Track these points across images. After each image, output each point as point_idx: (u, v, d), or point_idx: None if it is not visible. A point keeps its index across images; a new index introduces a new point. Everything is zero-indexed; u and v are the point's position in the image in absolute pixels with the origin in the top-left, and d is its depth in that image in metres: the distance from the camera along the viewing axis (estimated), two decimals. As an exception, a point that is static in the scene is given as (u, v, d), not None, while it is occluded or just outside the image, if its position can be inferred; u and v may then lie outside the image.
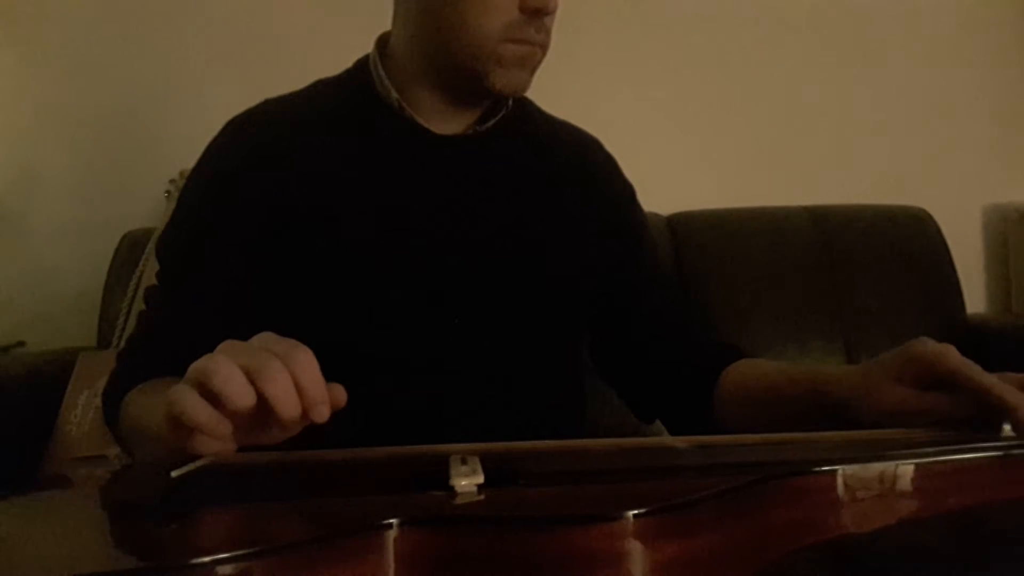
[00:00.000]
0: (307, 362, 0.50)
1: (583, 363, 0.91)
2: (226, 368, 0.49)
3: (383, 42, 0.85)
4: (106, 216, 1.67)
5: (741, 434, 0.57)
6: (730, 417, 0.78)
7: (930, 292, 1.57)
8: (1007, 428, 0.53)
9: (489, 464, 0.46)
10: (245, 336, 0.54)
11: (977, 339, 1.53)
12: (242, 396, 0.49)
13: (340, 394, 0.52)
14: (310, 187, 0.79)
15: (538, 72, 0.79)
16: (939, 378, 0.57)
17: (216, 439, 0.51)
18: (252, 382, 0.49)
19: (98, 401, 1.29)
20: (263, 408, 0.50)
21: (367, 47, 0.86)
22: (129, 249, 1.54)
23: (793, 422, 0.67)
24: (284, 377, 0.49)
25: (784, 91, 1.81)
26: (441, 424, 0.72)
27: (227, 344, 0.52)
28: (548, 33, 0.77)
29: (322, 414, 0.50)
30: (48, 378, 1.39)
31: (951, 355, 0.57)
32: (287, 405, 0.49)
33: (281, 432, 0.52)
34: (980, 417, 0.55)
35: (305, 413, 0.50)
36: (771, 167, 1.81)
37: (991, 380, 0.55)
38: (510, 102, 0.84)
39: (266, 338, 0.52)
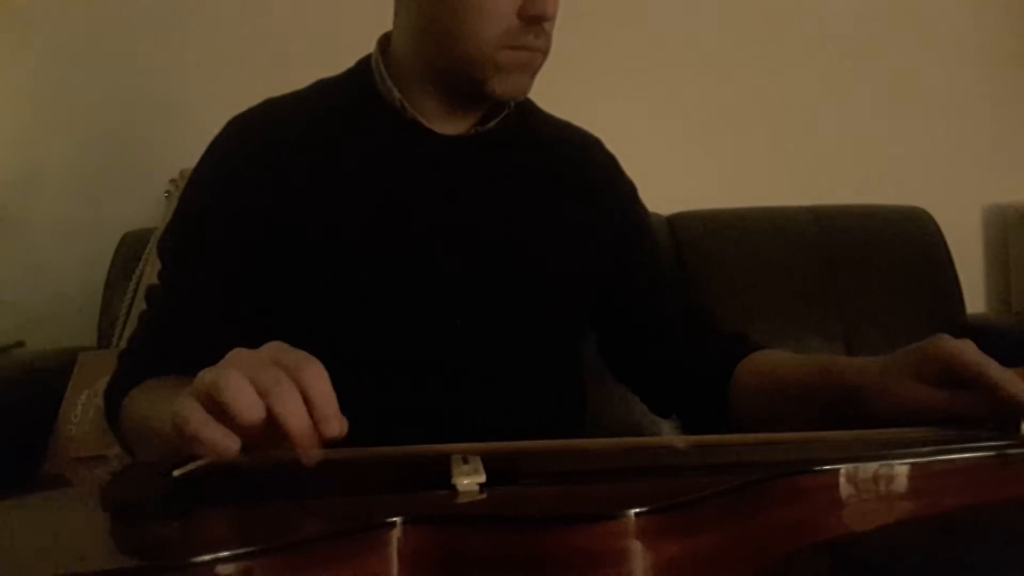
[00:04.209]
0: (318, 375, 0.49)
1: (583, 363, 0.91)
2: (236, 382, 0.48)
3: (385, 42, 0.85)
4: (106, 216, 1.67)
5: (741, 434, 0.57)
6: (747, 408, 0.77)
7: (930, 292, 1.57)
8: None
9: (491, 463, 0.46)
10: (247, 336, 0.54)
11: (977, 339, 1.52)
12: (251, 411, 0.48)
13: (343, 428, 0.51)
14: (312, 187, 0.79)
15: (539, 73, 0.79)
16: (957, 375, 0.57)
17: (222, 453, 0.51)
18: (261, 397, 0.48)
19: (98, 401, 1.29)
20: (272, 423, 0.49)
21: (368, 47, 0.86)
22: (129, 249, 1.54)
23: (809, 411, 0.67)
24: (294, 394, 0.48)
25: (784, 91, 1.82)
26: (442, 423, 0.72)
27: (236, 354, 0.51)
28: (548, 37, 0.77)
29: (332, 428, 0.50)
30: (48, 378, 1.39)
31: (969, 352, 0.57)
32: (296, 422, 0.48)
33: (291, 445, 0.52)
34: (998, 415, 0.54)
35: (316, 427, 0.50)
36: (771, 167, 1.81)
37: (1011, 378, 0.54)
38: (512, 103, 0.84)
39: (276, 348, 0.51)
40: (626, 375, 0.91)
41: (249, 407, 0.48)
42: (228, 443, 0.49)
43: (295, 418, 0.48)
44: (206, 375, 0.50)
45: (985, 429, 0.53)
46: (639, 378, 0.90)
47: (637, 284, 0.89)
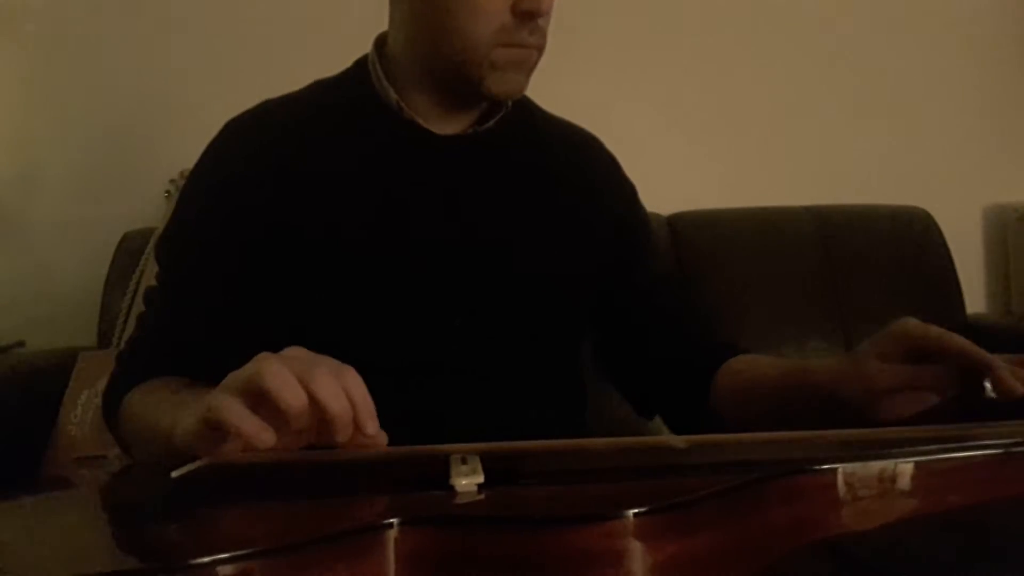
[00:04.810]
0: (355, 379, 0.51)
1: (583, 363, 0.91)
2: (278, 370, 0.49)
3: (381, 42, 0.85)
4: (106, 216, 1.67)
5: (740, 433, 0.57)
6: (727, 412, 0.79)
7: (930, 292, 1.57)
8: (988, 387, 0.57)
9: (489, 464, 0.46)
10: (245, 337, 0.54)
11: (977, 339, 1.53)
12: (294, 397, 0.49)
13: (382, 439, 0.53)
14: (310, 189, 0.78)
15: (537, 72, 0.79)
16: (922, 351, 0.61)
17: (258, 447, 0.51)
18: (303, 385, 0.49)
19: (98, 401, 1.29)
20: (313, 412, 0.50)
21: (365, 47, 0.86)
22: (129, 249, 1.54)
23: (786, 414, 0.70)
24: (334, 381, 0.49)
25: (784, 91, 1.81)
26: (441, 424, 0.72)
27: (266, 354, 0.52)
28: (543, 34, 0.76)
29: (371, 428, 0.51)
30: (48, 378, 1.39)
31: (931, 328, 0.61)
32: (339, 408, 0.49)
33: (330, 439, 0.52)
34: (963, 381, 0.59)
35: (355, 425, 0.51)
36: (771, 167, 1.81)
37: (970, 343, 0.59)
38: (509, 102, 0.84)
39: (302, 350, 0.53)
40: (615, 373, 0.92)
41: (293, 394, 0.49)
42: (265, 436, 0.50)
43: (337, 403, 0.49)
44: (241, 371, 0.51)
45: (955, 396, 0.58)
46: (629, 377, 0.91)
47: (635, 284, 0.89)
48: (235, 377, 0.51)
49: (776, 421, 0.68)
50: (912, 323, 0.62)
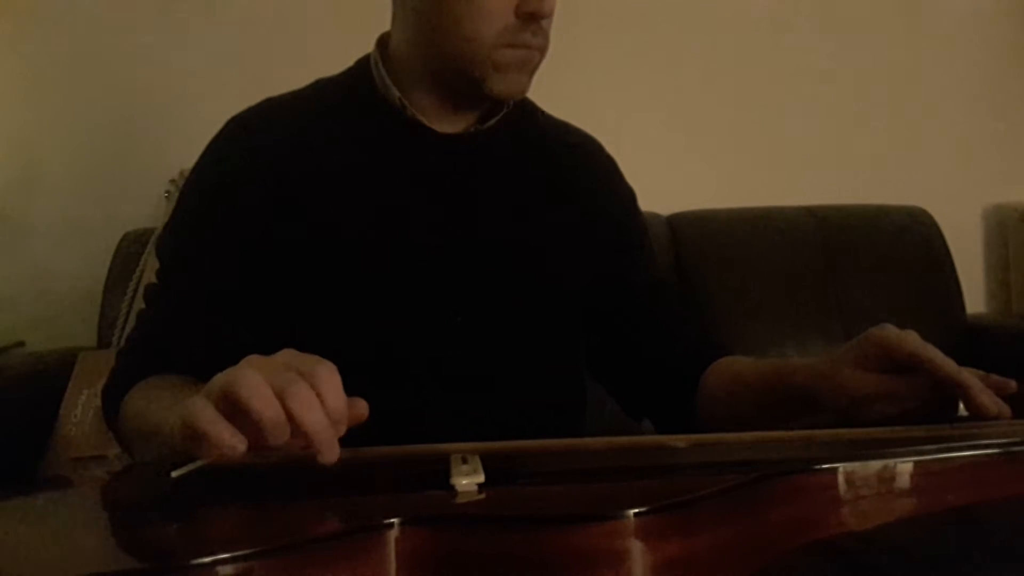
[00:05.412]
0: (329, 378, 0.50)
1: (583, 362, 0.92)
2: (252, 381, 0.49)
3: (383, 42, 0.85)
4: (106, 216, 1.67)
5: (740, 432, 0.57)
6: (710, 414, 0.81)
7: (930, 292, 1.57)
8: (961, 405, 0.57)
9: (490, 463, 0.46)
10: (245, 335, 0.54)
11: (977, 339, 1.53)
12: (268, 409, 0.48)
13: (363, 409, 0.52)
14: (311, 187, 0.79)
15: (538, 72, 0.79)
16: (898, 362, 0.61)
17: (228, 453, 0.51)
18: (278, 397, 0.48)
19: (98, 401, 1.29)
20: (289, 423, 0.49)
21: (367, 46, 0.86)
22: (129, 249, 1.54)
23: (764, 415, 0.71)
24: (310, 394, 0.49)
25: (784, 91, 1.81)
26: (442, 423, 0.72)
27: (250, 359, 0.51)
28: (546, 36, 0.77)
29: (339, 431, 0.50)
30: (48, 378, 1.39)
31: (909, 339, 0.61)
32: (314, 421, 0.48)
33: (307, 446, 0.52)
34: (938, 397, 0.59)
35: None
36: (771, 167, 1.81)
37: (946, 360, 0.58)
38: (511, 102, 0.84)
39: (289, 354, 0.52)
40: (605, 374, 0.92)
41: (266, 405, 0.48)
42: (235, 443, 0.49)
43: (312, 417, 0.49)
44: (220, 377, 0.51)
45: (930, 413, 0.58)
46: (619, 378, 0.91)
47: (629, 288, 0.89)
48: (214, 382, 0.51)
49: (756, 422, 0.69)
50: (890, 332, 0.62)
